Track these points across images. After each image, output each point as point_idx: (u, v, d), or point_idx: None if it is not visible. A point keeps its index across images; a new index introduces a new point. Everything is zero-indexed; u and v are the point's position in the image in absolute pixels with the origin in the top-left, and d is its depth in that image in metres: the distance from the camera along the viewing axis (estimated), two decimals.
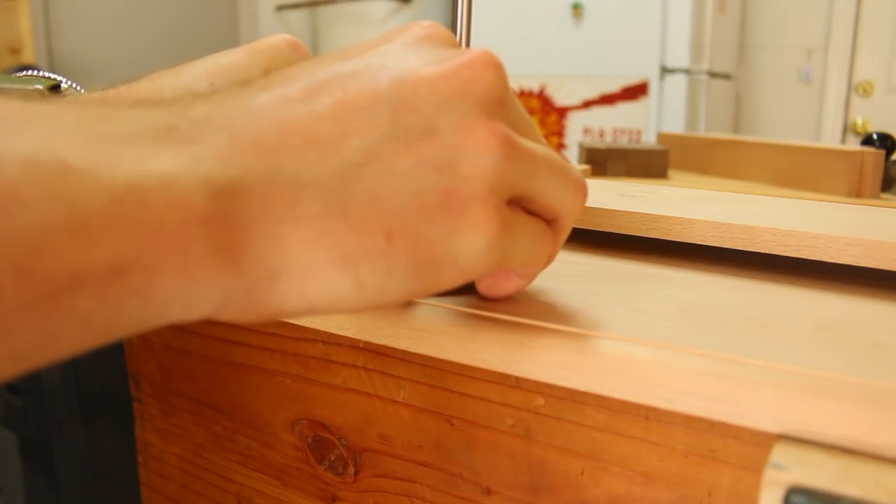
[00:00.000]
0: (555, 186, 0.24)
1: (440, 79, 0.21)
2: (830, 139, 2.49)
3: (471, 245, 0.21)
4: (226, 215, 0.18)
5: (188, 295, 0.18)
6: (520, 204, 0.24)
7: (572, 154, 2.24)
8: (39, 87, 0.28)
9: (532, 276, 0.26)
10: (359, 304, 0.20)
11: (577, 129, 2.24)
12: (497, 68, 0.22)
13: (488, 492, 0.29)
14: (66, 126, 0.17)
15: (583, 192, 0.25)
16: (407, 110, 0.20)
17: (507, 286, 0.27)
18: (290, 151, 0.19)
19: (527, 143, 0.23)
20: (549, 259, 0.26)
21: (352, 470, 0.33)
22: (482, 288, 0.28)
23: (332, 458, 0.34)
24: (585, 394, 0.26)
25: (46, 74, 0.31)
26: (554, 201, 0.24)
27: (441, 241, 0.21)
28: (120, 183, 0.16)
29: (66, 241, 0.15)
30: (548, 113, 2.27)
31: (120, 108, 0.19)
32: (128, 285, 0.16)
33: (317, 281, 0.20)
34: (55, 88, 0.30)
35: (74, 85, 0.31)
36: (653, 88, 2.12)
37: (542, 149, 0.24)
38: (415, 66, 0.21)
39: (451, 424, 0.30)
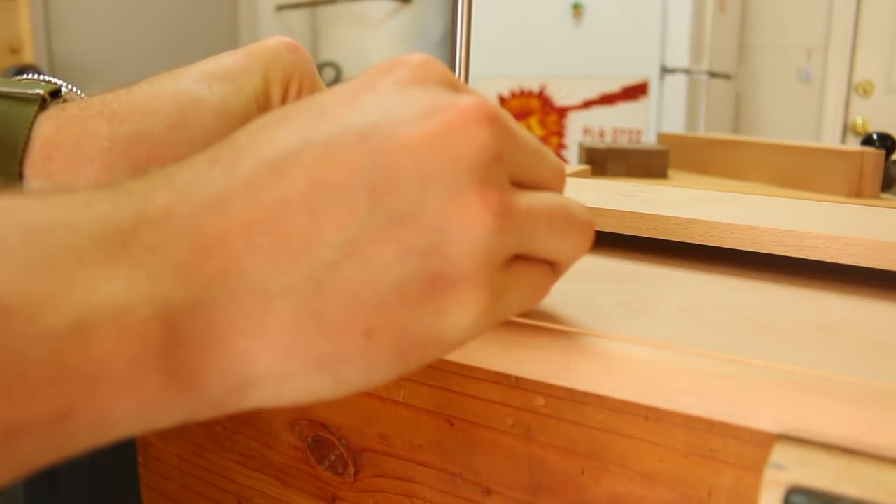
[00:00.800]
0: (557, 240, 0.22)
1: (424, 146, 0.19)
2: (830, 139, 2.49)
3: (458, 324, 0.20)
4: (184, 340, 0.17)
5: (145, 419, 0.17)
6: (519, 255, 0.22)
7: (572, 154, 2.24)
8: (40, 91, 0.28)
9: (526, 312, 0.24)
10: (342, 395, 0.20)
11: (577, 129, 2.24)
12: (491, 122, 0.19)
13: (488, 492, 0.29)
14: (4, 248, 0.15)
15: (587, 236, 0.23)
16: (388, 190, 0.18)
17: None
18: (258, 256, 0.17)
19: (526, 201, 0.21)
20: (544, 297, 0.24)
21: (352, 470, 0.33)
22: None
23: (332, 458, 0.34)
24: (585, 394, 0.26)
25: (46, 78, 0.30)
26: (555, 253, 0.22)
27: (425, 327, 0.19)
28: (64, 323, 0.15)
29: (0, 397, 0.14)
30: (548, 113, 2.27)
31: (71, 205, 0.17)
32: (76, 426, 0.15)
33: (293, 386, 0.19)
34: (55, 94, 0.30)
35: (74, 89, 0.31)
36: (653, 88, 2.12)
37: (544, 204, 0.21)
38: (398, 126, 0.19)
39: (451, 424, 0.30)
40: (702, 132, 2.11)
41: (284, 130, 0.19)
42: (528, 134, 0.22)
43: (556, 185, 0.23)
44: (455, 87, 0.21)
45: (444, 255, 0.19)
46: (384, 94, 0.20)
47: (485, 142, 0.19)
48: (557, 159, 0.24)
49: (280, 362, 0.18)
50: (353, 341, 0.18)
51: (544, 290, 0.23)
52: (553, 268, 0.23)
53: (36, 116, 0.27)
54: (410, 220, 0.18)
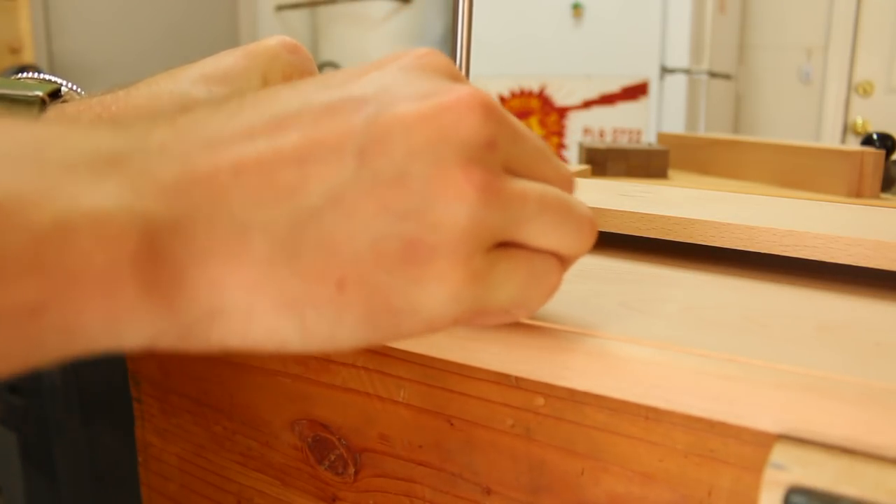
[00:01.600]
0: (551, 228, 0.22)
1: (418, 120, 0.19)
2: (830, 139, 2.49)
3: (434, 298, 0.20)
4: (160, 255, 0.17)
5: (115, 331, 0.17)
6: (515, 245, 0.22)
7: (572, 154, 2.24)
8: (39, 93, 0.28)
9: (527, 315, 0.24)
10: (306, 348, 0.20)
11: (577, 129, 2.23)
12: (484, 110, 0.20)
13: (488, 492, 0.29)
14: (2, 151, 0.16)
15: (587, 230, 0.23)
16: (377, 153, 0.19)
17: (491, 321, 0.24)
18: (242, 192, 0.18)
19: (518, 185, 0.21)
20: (551, 293, 0.23)
21: (352, 470, 0.33)
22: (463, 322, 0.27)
23: (332, 458, 0.34)
24: (585, 394, 0.26)
25: (46, 77, 0.30)
26: (551, 243, 0.22)
27: (399, 293, 0.19)
28: (46, 220, 0.15)
29: None
30: (548, 113, 2.27)
31: (73, 129, 0.18)
32: (47, 323, 0.16)
33: (259, 324, 0.19)
34: (55, 94, 0.30)
35: (75, 87, 0.31)
36: (653, 88, 2.12)
37: (537, 190, 0.22)
38: (396, 100, 0.20)
39: (451, 424, 0.30)
40: (702, 132, 2.11)
41: (290, 93, 0.20)
42: (533, 135, 0.23)
43: (562, 189, 0.23)
44: (456, 78, 0.22)
45: (424, 220, 0.19)
46: (388, 74, 0.21)
47: (477, 126, 0.20)
48: (565, 166, 0.24)
49: (249, 295, 0.18)
50: (324, 288, 0.19)
51: (549, 282, 0.23)
52: (559, 261, 0.23)
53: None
54: (395, 184, 0.19)
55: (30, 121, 0.18)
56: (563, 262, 0.23)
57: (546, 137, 2.29)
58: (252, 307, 0.18)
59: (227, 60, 0.30)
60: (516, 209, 0.21)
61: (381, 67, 0.22)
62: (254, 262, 0.18)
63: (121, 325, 0.17)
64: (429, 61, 0.22)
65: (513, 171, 0.21)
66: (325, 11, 2.72)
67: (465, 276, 0.20)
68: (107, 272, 0.16)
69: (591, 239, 0.23)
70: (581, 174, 0.76)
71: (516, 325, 0.26)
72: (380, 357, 0.31)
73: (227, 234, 0.18)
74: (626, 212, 0.37)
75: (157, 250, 0.17)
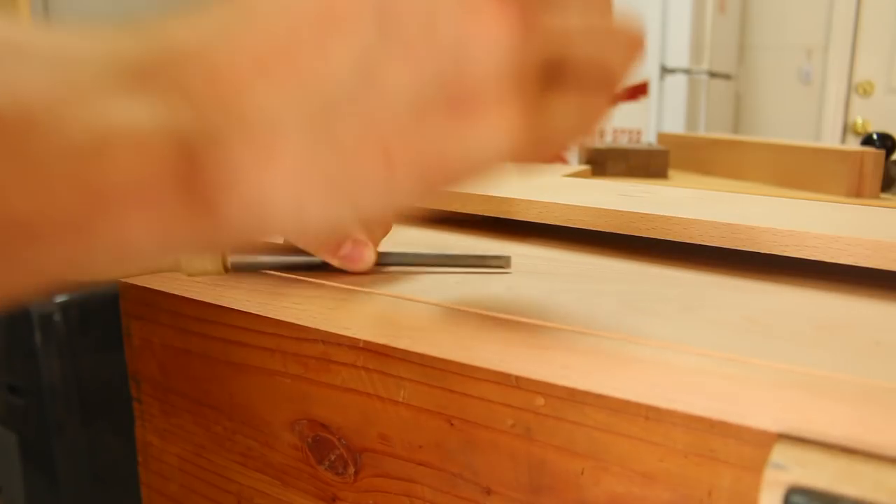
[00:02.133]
0: (597, 52, 0.20)
1: None
2: (830, 139, 2.49)
3: (489, 141, 0.19)
4: (201, 165, 0.17)
5: (164, 241, 0.17)
6: (562, 66, 0.20)
7: (572, 154, 2.24)
8: None
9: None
10: (363, 221, 0.20)
11: None
12: None
13: (488, 492, 0.29)
14: (34, 67, 0.16)
15: (635, 46, 0.21)
16: (397, 13, 0.18)
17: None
18: (269, 85, 0.18)
19: (556, 13, 0.19)
20: (604, 114, 0.22)
21: (352, 470, 0.33)
22: (337, 263, 0.27)
23: (332, 458, 0.34)
24: (585, 393, 0.26)
25: None
26: (598, 65, 0.21)
27: (452, 146, 0.19)
28: (85, 137, 0.15)
29: (21, 198, 0.15)
30: None
31: (97, 41, 0.18)
32: (96, 242, 0.16)
33: (312, 213, 0.19)
34: None
35: None
36: (653, 88, 2.12)
37: (577, 13, 0.20)
38: None
39: (451, 424, 0.30)
40: (702, 132, 2.11)
41: None
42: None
43: (621, 62, 0.22)
44: None
45: (462, 69, 0.18)
46: None
47: None
48: (631, 29, 0.22)
49: (296, 188, 0.18)
50: (371, 164, 0.18)
51: (601, 103, 0.22)
52: (605, 83, 0.22)
53: None
54: (422, 38, 0.18)
55: (45, 31, 0.18)
56: (613, 78, 0.22)
57: None
58: (301, 198, 0.18)
59: None
60: (559, 34, 0.20)
61: None
62: (294, 155, 0.18)
63: (169, 235, 0.17)
64: None
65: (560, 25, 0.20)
66: None
67: (515, 115, 0.19)
68: (150, 186, 0.16)
69: (638, 53, 0.22)
70: (581, 174, 0.76)
71: (516, 325, 0.26)
72: (380, 357, 0.31)
73: (262, 132, 0.18)
74: (626, 212, 0.37)
75: (196, 161, 0.17)
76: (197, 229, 0.18)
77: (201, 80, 0.17)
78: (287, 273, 0.34)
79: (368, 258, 0.30)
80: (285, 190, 0.18)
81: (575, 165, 0.85)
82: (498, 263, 0.34)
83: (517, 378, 0.28)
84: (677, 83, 2.11)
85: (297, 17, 0.18)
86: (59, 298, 0.39)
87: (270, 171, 0.18)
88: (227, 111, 0.17)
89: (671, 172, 0.98)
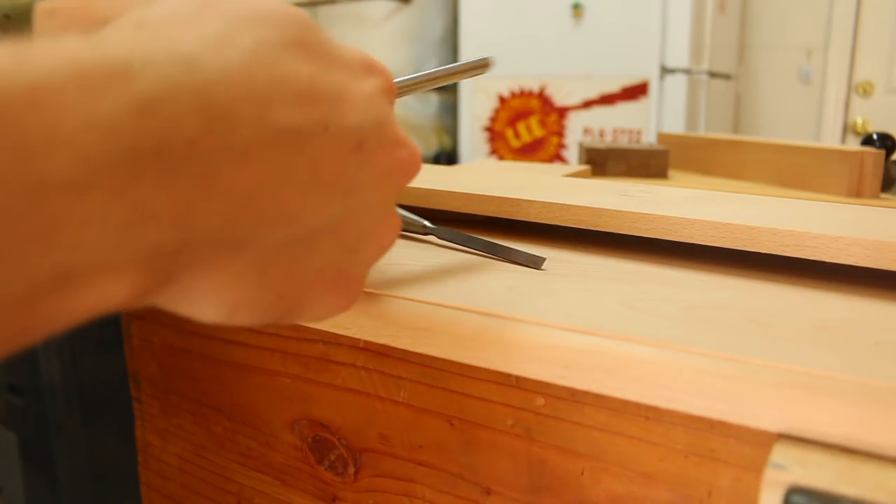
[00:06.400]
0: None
1: (392, 171, 0.23)
2: (830, 139, 2.49)
3: (330, 310, 0.23)
4: (160, 272, 0.17)
5: (104, 300, 0.17)
6: None
7: (572, 154, 2.24)
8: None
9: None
10: (211, 323, 0.21)
11: (577, 129, 2.23)
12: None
13: (488, 492, 0.29)
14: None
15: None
16: (355, 195, 0.21)
17: None
18: (250, 215, 0.18)
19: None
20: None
21: (352, 470, 0.33)
22: None
23: (332, 458, 0.34)
24: (585, 393, 0.26)
25: None
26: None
27: (314, 305, 0.22)
28: (49, 272, 0.15)
29: None
30: (548, 113, 2.27)
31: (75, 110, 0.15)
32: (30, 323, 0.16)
33: (193, 305, 0.20)
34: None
35: None
36: (653, 88, 2.12)
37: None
38: (382, 145, 0.22)
39: (451, 424, 0.30)
40: (702, 132, 2.11)
41: (295, 111, 0.19)
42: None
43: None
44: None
45: (358, 257, 0.23)
46: (374, 103, 0.22)
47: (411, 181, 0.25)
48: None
49: (214, 294, 0.19)
50: (267, 297, 0.21)
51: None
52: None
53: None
54: (355, 222, 0.22)
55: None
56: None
57: (546, 137, 2.29)
58: (204, 298, 0.19)
59: None
60: None
61: (370, 74, 0.23)
62: (232, 272, 0.19)
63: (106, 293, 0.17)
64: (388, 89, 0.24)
65: None
66: (325, 11, 2.72)
67: (357, 295, 0.23)
68: (105, 299, 0.17)
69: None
70: (581, 174, 0.76)
71: (516, 325, 0.26)
72: (380, 357, 0.31)
73: (226, 253, 0.19)
74: (626, 212, 0.37)
75: (158, 271, 0.17)
76: (131, 303, 0.18)
77: (190, 184, 0.17)
78: None
79: None
80: (206, 287, 0.19)
81: (575, 165, 0.85)
82: (533, 261, 0.35)
83: (517, 378, 0.28)
84: (677, 83, 2.11)
85: (292, 157, 0.19)
86: None
87: (206, 276, 0.19)
88: (205, 229, 0.17)
89: (671, 172, 0.98)
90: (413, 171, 0.24)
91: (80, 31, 0.17)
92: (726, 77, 2.41)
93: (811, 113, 2.55)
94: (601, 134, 2.21)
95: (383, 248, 0.24)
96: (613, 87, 2.18)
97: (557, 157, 2.28)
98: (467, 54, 2.36)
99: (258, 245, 0.19)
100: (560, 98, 2.26)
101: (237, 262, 0.19)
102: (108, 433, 0.48)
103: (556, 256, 0.37)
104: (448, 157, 2.55)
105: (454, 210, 0.43)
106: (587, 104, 2.22)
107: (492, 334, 0.26)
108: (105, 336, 0.46)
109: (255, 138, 0.18)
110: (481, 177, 0.50)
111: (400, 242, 0.39)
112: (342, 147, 0.21)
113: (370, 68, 0.23)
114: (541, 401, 0.27)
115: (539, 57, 2.27)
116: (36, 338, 0.16)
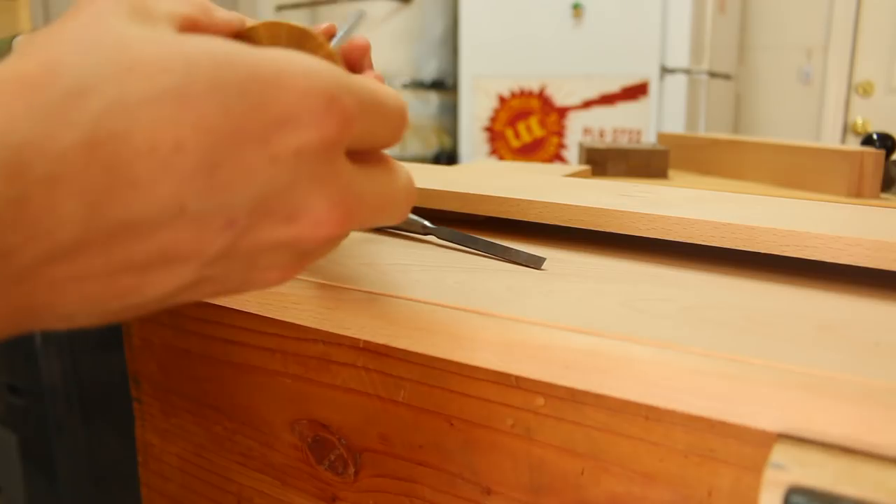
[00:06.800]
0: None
1: (271, 248, 0.20)
2: (830, 139, 2.49)
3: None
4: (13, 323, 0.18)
5: None
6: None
7: (572, 154, 2.24)
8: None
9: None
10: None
11: (577, 129, 2.23)
12: (345, 223, 0.21)
13: (488, 492, 0.29)
14: None
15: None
16: (218, 266, 0.20)
17: None
18: (81, 295, 0.18)
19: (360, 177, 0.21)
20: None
21: (352, 470, 0.33)
22: None
23: (332, 458, 0.34)
24: (585, 393, 0.26)
25: None
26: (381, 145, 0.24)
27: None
28: None
29: None
30: (548, 113, 2.27)
31: None
32: None
33: (78, 323, 0.20)
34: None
35: None
36: (653, 88, 2.12)
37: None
38: (262, 225, 0.20)
39: (451, 424, 0.30)
40: (702, 132, 2.11)
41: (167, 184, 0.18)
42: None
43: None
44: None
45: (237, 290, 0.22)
46: (280, 170, 0.19)
47: (329, 247, 0.23)
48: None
49: (78, 304, 0.19)
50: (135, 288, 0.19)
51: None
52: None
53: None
54: (220, 282, 0.21)
55: None
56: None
57: (546, 137, 2.29)
58: (74, 315, 0.19)
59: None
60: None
61: (299, 127, 0.19)
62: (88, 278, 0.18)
63: None
64: (331, 143, 0.20)
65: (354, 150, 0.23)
66: (325, 11, 2.72)
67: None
68: None
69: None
70: (581, 174, 0.76)
71: (516, 325, 0.26)
72: (380, 357, 0.31)
73: (63, 322, 0.19)
74: (626, 212, 0.37)
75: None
76: None
77: (31, 257, 0.17)
78: None
79: None
80: (66, 296, 0.18)
81: (575, 165, 0.85)
82: (533, 261, 0.35)
83: (517, 378, 0.28)
84: (677, 83, 2.11)
85: (137, 240, 0.18)
86: None
87: (72, 282, 0.18)
88: (36, 299, 0.17)
89: (671, 172, 0.98)
90: (327, 238, 0.20)
91: None
92: (726, 77, 2.41)
93: (811, 113, 2.55)
94: (601, 134, 2.21)
95: (267, 286, 0.22)
96: (613, 87, 2.18)
97: (557, 158, 2.28)
98: (467, 54, 2.36)
99: (91, 316, 0.19)
100: (560, 98, 2.26)
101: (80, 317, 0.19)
102: (108, 433, 0.48)
103: (556, 256, 0.37)
104: (448, 157, 2.55)
105: (454, 210, 0.43)
106: (587, 104, 2.22)
107: (492, 334, 0.26)
108: (105, 336, 0.46)
109: (79, 239, 0.17)
110: (481, 177, 0.50)
111: (400, 242, 0.39)
112: (204, 228, 0.18)
113: (308, 118, 0.19)
114: (540, 401, 0.27)
115: (539, 57, 2.27)
116: None
